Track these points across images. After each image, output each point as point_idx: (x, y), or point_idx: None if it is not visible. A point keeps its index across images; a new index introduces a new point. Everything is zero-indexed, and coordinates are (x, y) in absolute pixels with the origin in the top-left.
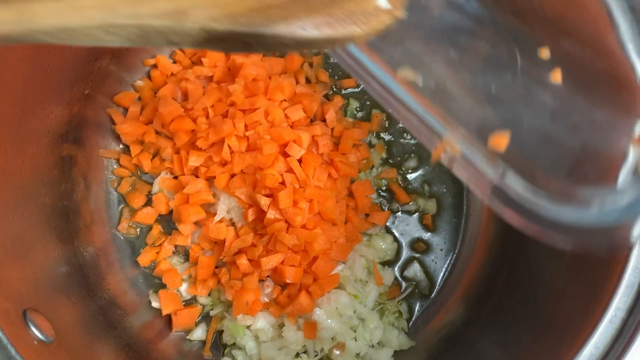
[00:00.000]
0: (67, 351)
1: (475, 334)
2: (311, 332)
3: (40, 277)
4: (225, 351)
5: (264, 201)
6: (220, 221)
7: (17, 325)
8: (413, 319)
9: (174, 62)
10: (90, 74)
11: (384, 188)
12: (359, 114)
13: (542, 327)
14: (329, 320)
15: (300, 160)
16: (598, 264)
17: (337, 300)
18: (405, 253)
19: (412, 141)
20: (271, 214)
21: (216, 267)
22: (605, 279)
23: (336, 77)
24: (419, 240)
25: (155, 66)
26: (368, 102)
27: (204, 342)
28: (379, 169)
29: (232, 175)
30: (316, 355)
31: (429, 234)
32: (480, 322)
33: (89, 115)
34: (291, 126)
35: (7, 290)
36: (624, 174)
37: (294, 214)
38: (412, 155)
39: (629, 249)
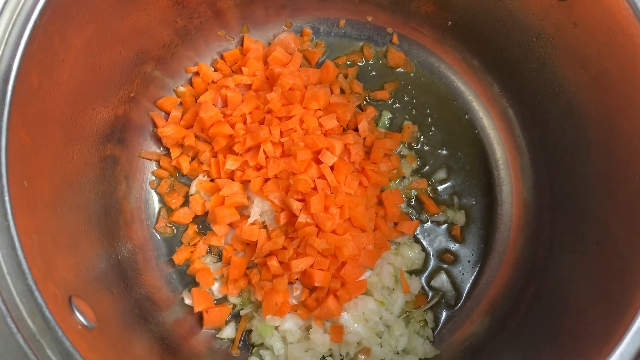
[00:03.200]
0: (107, 338)
1: (499, 347)
2: (338, 336)
3: (84, 268)
4: (253, 350)
5: (296, 205)
6: (253, 223)
7: (63, 309)
8: (438, 328)
9: (215, 70)
10: (135, 78)
11: (413, 198)
12: (391, 125)
13: (566, 343)
14: (356, 325)
15: (332, 167)
16: (625, 280)
17: (364, 306)
18: (433, 263)
19: (444, 152)
20: (302, 218)
21: (247, 268)
22: (631, 293)
23: (369, 89)
24: (447, 251)
25: (197, 73)
26: (400, 114)
27: (232, 341)
28: (409, 179)
29: (266, 180)
30: (341, 359)
31: (457, 245)
32: (505, 335)
33: (133, 117)
34: (325, 134)
35: (54, 275)
36: None
37: (325, 218)
38: (442, 167)
39: None
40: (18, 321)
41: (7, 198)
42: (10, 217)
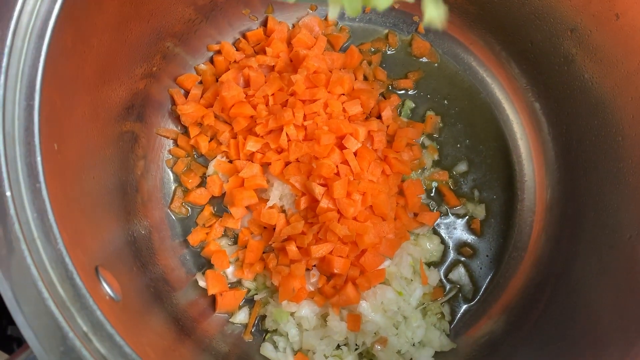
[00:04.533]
0: (131, 313)
1: (516, 344)
2: (355, 324)
3: (106, 240)
4: (266, 336)
5: (319, 190)
6: (272, 207)
7: (92, 278)
8: (455, 322)
9: (237, 49)
10: (157, 52)
11: (433, 189)
12: (413, 115)
13: (584, 346)
14: (374, 314)
15: (355, 154)
16: None
17: (383, 295)
18: (451, 256)
19: (465, 144)
20: (324, 203)
21: (263, 253)
22: None
23: (393, 77)
24: (466, 244)
25: (218, 52)
26: (422, 104)
27: (245, 326)
28: (430, 170)
29: (287, 163)
30: (357, 349)
31: (476, 239)
32: (522, 333)
33: (153, 93)
34: (348, 120)
35: (81, 243)
36: None
37: (348, 204)
38: (463, 159)
39: None
40: (49, 286)
41: (39, 159)
42: (41, 178)
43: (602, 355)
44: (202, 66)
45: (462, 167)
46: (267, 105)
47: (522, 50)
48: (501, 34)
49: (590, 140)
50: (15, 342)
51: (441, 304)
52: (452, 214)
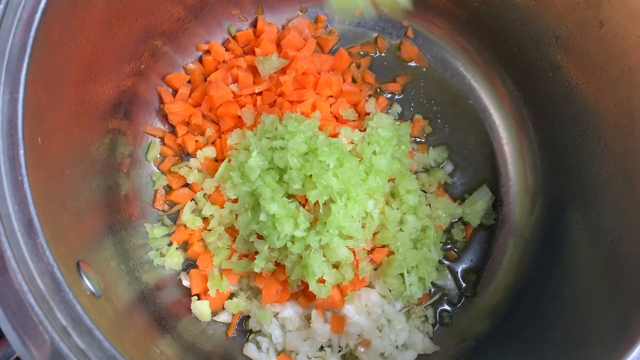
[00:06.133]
0: (112, 309)
1: (499, 346)
2: (339, 326)
3: (89, 235)
4: (250, 337)
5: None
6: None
7: (73, 273)
8: (438, 324)
9: (226, 49)
10: (146, 50)
11: None
12: (400, 118)
13: (568, 345)
14: (358, 316)
15: None
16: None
17: (367, 298)
18: None
19: (451, 148)
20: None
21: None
22: None
23: (381, 81)
24: (451, 248)
25: (207, 52)
26: (410, 108)
27: (228, 325)
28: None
29: None
30: (340, 351)
31: (461, 243)
32: (506, 335)
33: (141, 91)
34: (337, 121)
35: (63, 238)
36: None
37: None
38: (449, 163)
39: None
40: (29, 280)
41: (21, 152)
42: (24, 171)
43: (584, 357)
44: (191, 65)
45: (447, 168)
46: (255, 105)
47: (509, 56)
48: (489, 40)
49: (575, 145)
50: None
51: (425, 307)
52: None
